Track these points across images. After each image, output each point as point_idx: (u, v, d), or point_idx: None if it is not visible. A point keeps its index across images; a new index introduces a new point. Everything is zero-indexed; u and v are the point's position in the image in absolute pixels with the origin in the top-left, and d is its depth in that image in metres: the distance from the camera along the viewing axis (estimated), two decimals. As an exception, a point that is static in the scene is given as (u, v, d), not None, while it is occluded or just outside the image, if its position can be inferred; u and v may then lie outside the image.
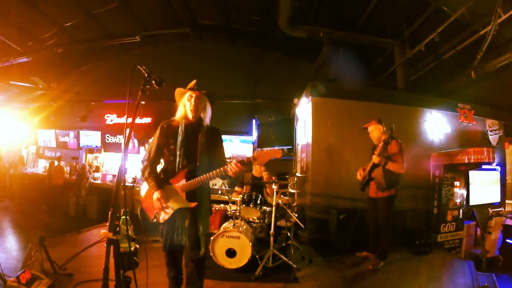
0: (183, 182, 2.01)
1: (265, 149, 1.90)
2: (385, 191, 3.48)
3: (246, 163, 1.91)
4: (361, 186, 3.74)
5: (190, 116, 2.09)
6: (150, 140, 2.27)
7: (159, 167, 2.20)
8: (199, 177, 1.97)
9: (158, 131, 2.15)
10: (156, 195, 2.01)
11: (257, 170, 4.30)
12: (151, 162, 2.12)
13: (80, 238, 4.40)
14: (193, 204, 2.00)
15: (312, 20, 6.26)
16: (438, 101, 5.45)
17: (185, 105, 2.11)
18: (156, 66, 1.79)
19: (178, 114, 2.14)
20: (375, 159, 3.43)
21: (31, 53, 7.21)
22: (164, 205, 2.02)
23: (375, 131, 3.64)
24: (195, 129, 2.10)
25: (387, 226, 3.51)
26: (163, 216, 2.06)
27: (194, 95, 2.08)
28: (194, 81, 2.16)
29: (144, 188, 2.18)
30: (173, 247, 2.09)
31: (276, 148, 1.91)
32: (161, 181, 2.07)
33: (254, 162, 1.89)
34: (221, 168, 1.92)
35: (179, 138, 2.04)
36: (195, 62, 7.93)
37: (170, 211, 2.04)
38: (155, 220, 2.08)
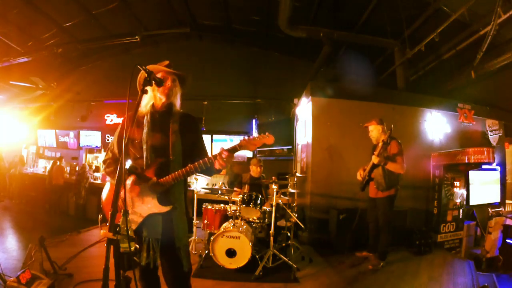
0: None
1: (255, 136, 1.64)
2: (385, 191, 3.48)
3: (232, 151, 1.61)
4: (361, 186, 3.75)
5: (162, 101, 1.73)
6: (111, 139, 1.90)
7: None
8: (174, 173, 1.62)
9: (119, 126, 1.81)
10: (128, 181, 1.61)
11: (255, 171, 4.29)
12: (115, 160, 1.77)
13: (80, 238, 4.41)
14: (167, 208, 1.63)
15: (312, 20, 6.26)
16: (438, 101, 5.45)
17: (154, 89, 1.71)
18: (156, 66, 1.78)
19: (144, 101, 1.73)
20: (375, 159, 3.44)
21: (31, 53, 7.20)
22: (136, 199, 1.66)
23: (374, 131, 3.65)
24: (165, 118, 1.75)
25: (387, 226, 3.52)
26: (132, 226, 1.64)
27: (169, 77, 1.72)
28: (166, 62, 1.77)
29: (105, 191, 1.80)
30: (146, 265, 1.62)
31: (266, 134, 1.66)
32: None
33: (240, 149, 1.63)
34: (205, 159, 1.59)
35: (145, 130, 1.70)
36: (195, 62, 7.91)
37: (138, 219, 1.63)
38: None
